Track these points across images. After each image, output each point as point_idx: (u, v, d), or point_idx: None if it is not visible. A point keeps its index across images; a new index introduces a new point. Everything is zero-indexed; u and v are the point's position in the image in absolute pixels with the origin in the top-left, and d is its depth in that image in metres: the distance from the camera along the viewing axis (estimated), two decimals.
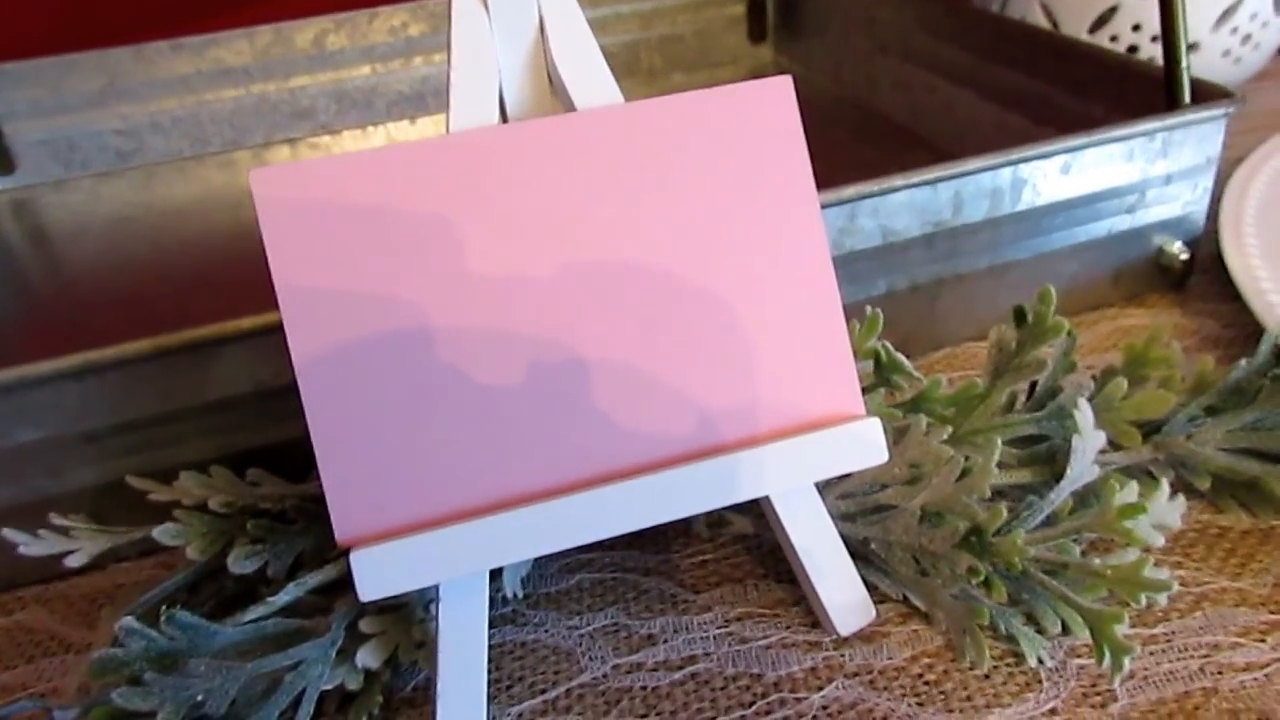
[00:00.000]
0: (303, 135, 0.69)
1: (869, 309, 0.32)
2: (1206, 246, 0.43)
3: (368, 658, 0.28)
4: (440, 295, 0.26)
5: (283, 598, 0.28)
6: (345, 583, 0.30)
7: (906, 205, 0.37)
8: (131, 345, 0.31)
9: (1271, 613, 0.29)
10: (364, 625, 0.28)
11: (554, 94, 0.29)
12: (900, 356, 0.31)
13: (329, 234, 0.26)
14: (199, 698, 0.25)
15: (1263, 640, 0.28)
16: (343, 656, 0.28)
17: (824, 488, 0.30)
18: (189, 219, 0.61)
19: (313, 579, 0.29)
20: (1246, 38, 0.55)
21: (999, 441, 0.29)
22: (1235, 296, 0.41)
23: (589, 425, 0.27)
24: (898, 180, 0.36)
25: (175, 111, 0.67)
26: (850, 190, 0.36)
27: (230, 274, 0.55)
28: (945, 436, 0.30)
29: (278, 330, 0.33)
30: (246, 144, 0.69)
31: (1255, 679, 0.27)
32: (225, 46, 0.67)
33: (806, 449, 0.28)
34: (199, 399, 0.33)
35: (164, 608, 0.26)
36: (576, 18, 0.28)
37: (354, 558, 0.25)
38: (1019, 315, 0.32)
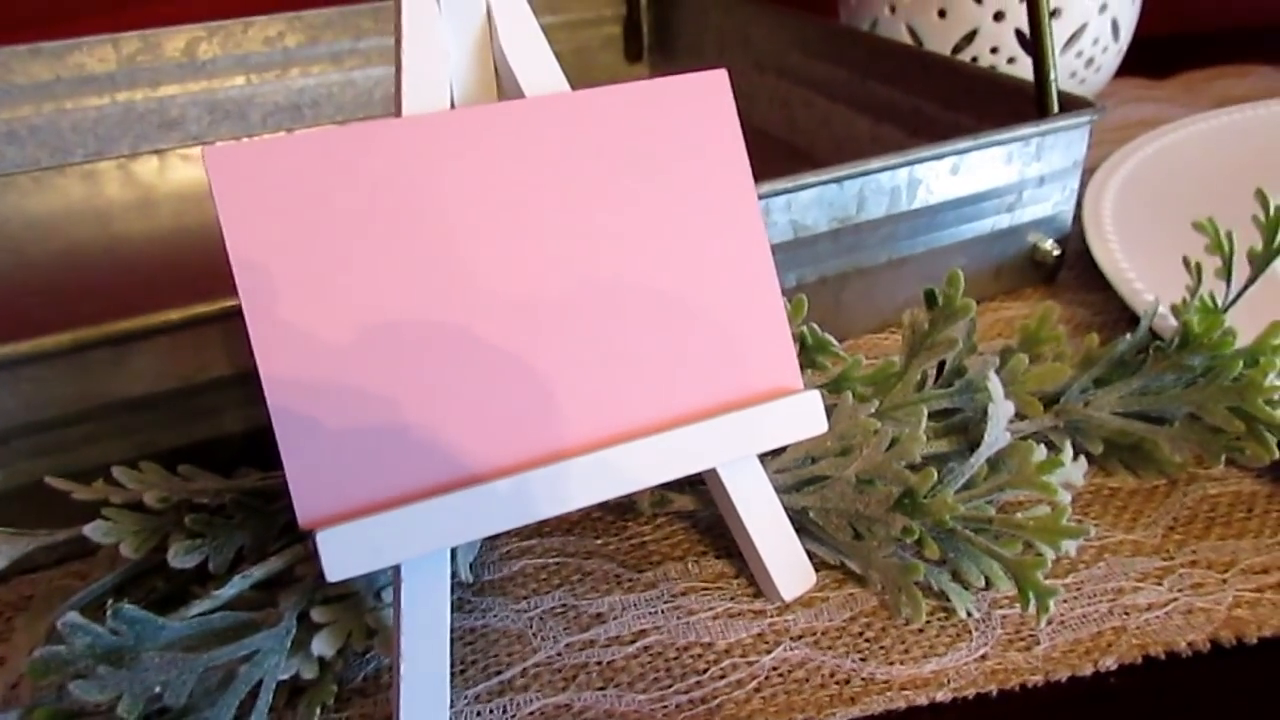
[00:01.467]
0: (172, 146, 0.67)
1: (792, 296, 0.34)
2: (1072, 244, 0.47)
3: (323, 646, 0.28)
4: (396, 275, 0.26)
5: (228, 591, 0.28)
6: (288, 577, 0.30)
7: (816, 201, 0.39)
8: (49, 339, 0.30)
9: (1164, 559, 0.32)
10: (316, 614, 0.28)
11: (500, 83, 0.29)
12: (827, 336, 0.33)
13: (286, 213, 0.25)
14: (157, 689, 0.24)
15: (1159, 583, 0.31)
16: (296, 647, 0.27)
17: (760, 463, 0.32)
18: (49, 233, 0.58)
19: (257, 571, 0.28)
20: (1089, 61, 0.60)
21: (925, 410, 0.31)
22: (1100, 287, 0.45)
23: (545, 403, 0.27)
24: (809, 177, 0.38)
25: (33, 120, 0.64)
26: (765, 187, 0.37)
27: (100, 286, 0.53)
28: (872, 411, 0.32)
29: (204, 323, 0.32)
30: (111, 154, 0.66)
31: (1157, 616, 0.30)
32: (88, 53, 0.64)
33: (752, 421, 0.29)
34: (117, 396, 0.32)
35: (110, 602, 0.25)
36: (523, 6, 0.29)
37: (320, 538, 0.24)
38: (930, 298, 0.34)
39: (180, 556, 0.29)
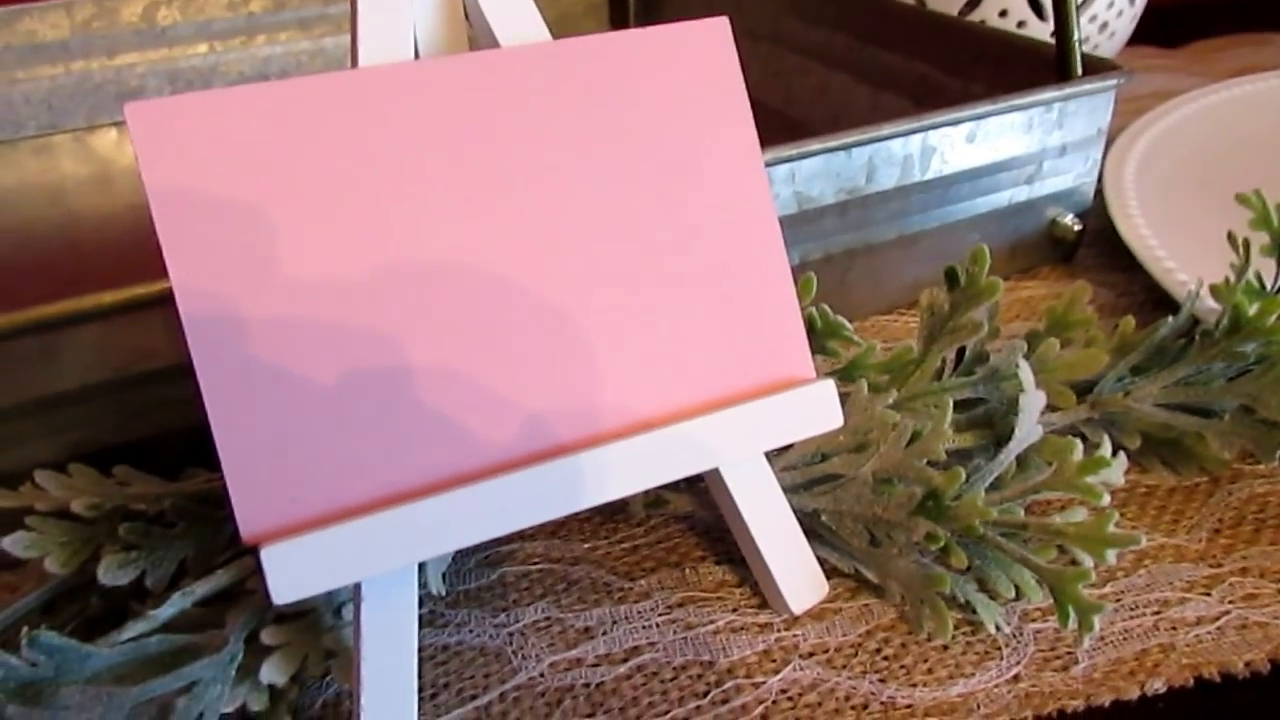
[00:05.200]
0: None
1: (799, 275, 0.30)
2: (1092, 221, 0.44)
3: (273, 673, 0.24)
4: (350, 250, 0.23)
5: (166, 610, 0.24)
6: (237, 591, 0.26)
7: (822, 171, 0.35)
8: None
9: (1211, 566, 0.29)
10: (266, 636, 0.25)
11: (472, 33, 0.26)
12: (840, 319, 0.30)
13: (221, 179, 0.22)
14: None
15: (1208, 594, 0.28)
16: (243, 674, 0.24)
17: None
18: (2, 209, 0.55)
19: (200, 588, 0.25)
20: (1104, 26, 0.57)
21: (950, 402, 0.28)
22: (1122, 267, 0.42)
23: (522, 396, 0.24)
24: (814, 144, 0.35)
25: None
26: (767, 155, 0.34)
27: (53, 268, 0.49)
28: (890, 402, 0.29)
29: (141, 307, 0.29)
30: (66, 127, 0.62)
31: (1209, 632, 0.27)
32: (39, 19, 0.60)
33: (758, 416, 0.26)
34: (45, 390, 0.28)
35: (24, 629, 0.22)
36: None
37: (265, 555, 0.21)
38: (951, 277, 0.31)
39: (112, 572, 0.25)
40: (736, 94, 0.27)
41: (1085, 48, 0.56)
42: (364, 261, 0.23)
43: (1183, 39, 0.73)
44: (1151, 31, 0.72)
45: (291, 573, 0.21)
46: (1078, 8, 0.54)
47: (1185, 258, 0.38)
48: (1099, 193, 0.44)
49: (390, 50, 0.24)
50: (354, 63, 0.24)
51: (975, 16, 0.56)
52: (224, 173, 0.22)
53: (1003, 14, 0.55)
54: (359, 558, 0.22)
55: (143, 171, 0.21)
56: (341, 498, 0.22)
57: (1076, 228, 0.42)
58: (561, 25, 0.70)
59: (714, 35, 0.26)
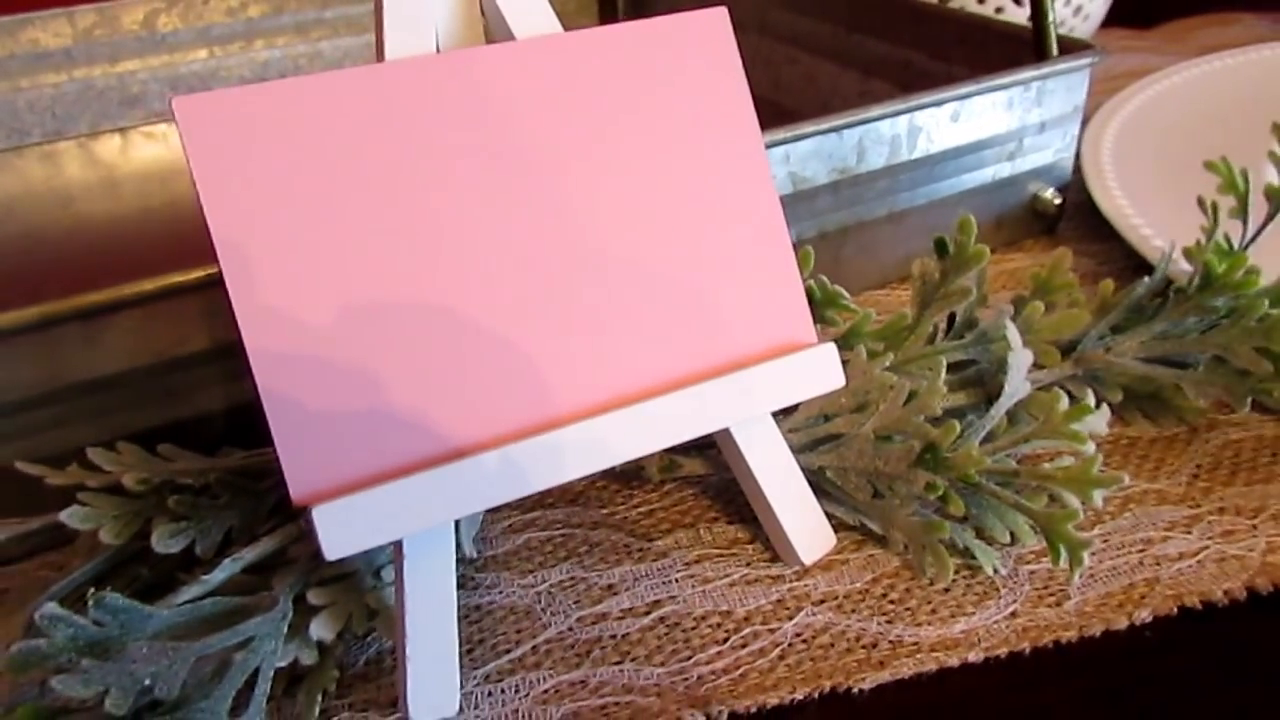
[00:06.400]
0: (134, 124, 0.64)
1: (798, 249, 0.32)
2: (1071, 195, 0.46)
3: (322, 629, 0.26)
4: (383, 233, 0.25)
5: (218, 575, 0.26)
6: (280, 559, 0.28)
7: (815, 152, 0.37)
8: (13, 314, 0.28)
9: (1190, 507, 0.31)
10: (313, 597, 0.26)
11: (487, 26, 0.27)
12: (838, 288, 0.32)
13: (265, 166, 0.24)
14: (146, 681, 0.23)
15: (1188, 532, 0.30)
16: (293, 631, 0.26)
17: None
18: (7, 216, 0.56)
19: (248, 554, 0.27)
20: (1078, 9, 0.59)
21: (944, 361, 0.30)
22: (1103, 237, 0.44)
23: (546, 366, 0.26)
24: (807, 126, 0.37)
25: None
26: (763, 138, 0.36)
27: (62, 272, 0.50)
28: (887, 365, 0.31)
29: (181, 294, 0.30)
30: (70, 134, 0.63)
31: (1190, 565, 0.29)
32: (42, 27, 0.61)
33: (765, 378, 0.28)
34: (87, 374, 0.30)
35: (91, 591, 0.24)
36: None
37: (316, 514, 0.23)
38: (940, 246, 0.33)
39: (165, 540, 0.27)
40: (736, 78, 0.28)
41: (1060, 30, 0.58)
42: (399, 240, 0.25)
43: (1156, 20, 0.75)
44: (1127, 13, 0.74)
45: (341, 530, 0.23)
46: None
47: (1160, 224, 0.40)
48: (1078, 167, 0.45)
49: (414, 44, 0.26)
50: (379, 57, 0.26)
51: (955, 3, 0.58)
52: (267, 160, 0.24)
53: (980, 0, 0.57)
54: (402, 515, 0.24)
55: (192, 163, 0.23)
56: (382, 462, 0.24)
57: (1057, 201, 0.44)
58: None
59: (714, 24, 0.28)
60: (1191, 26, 0.73)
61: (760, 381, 0.27)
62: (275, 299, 0.24)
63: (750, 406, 0.28)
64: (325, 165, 0.24)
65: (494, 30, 0.27)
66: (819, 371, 0.28)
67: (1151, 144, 0.49)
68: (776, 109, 0.60)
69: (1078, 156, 0.46)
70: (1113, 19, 0.71)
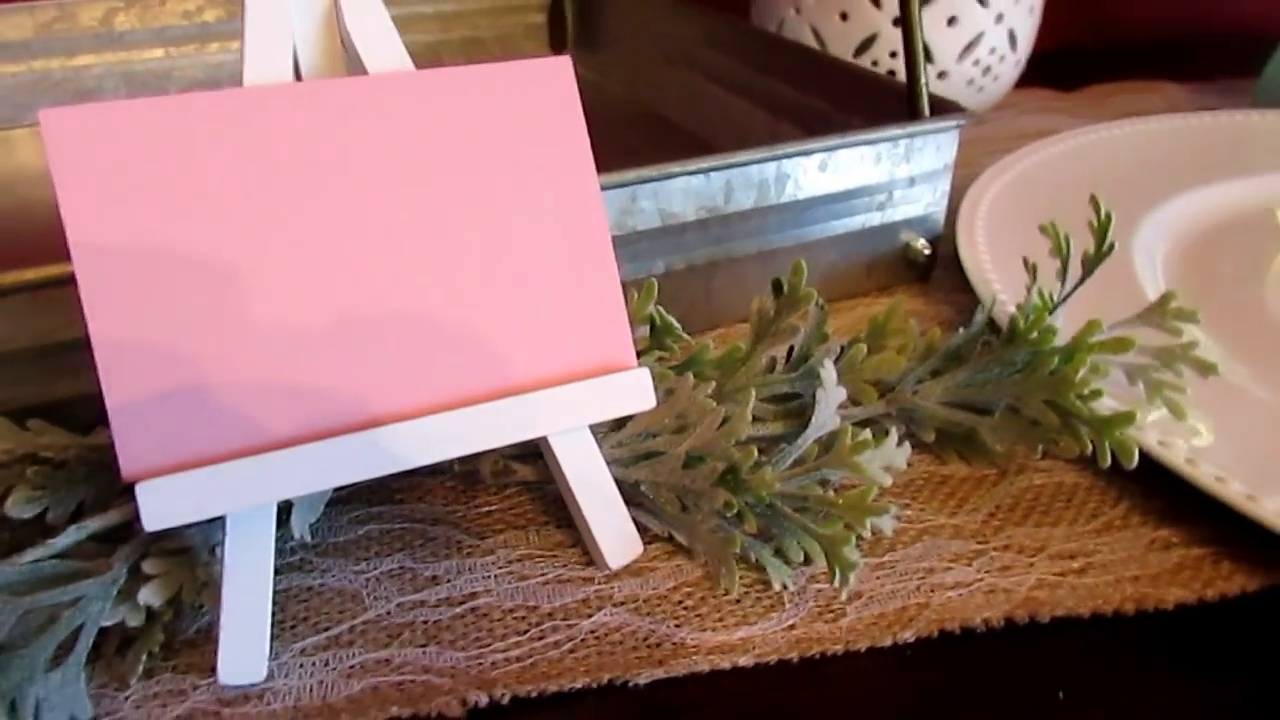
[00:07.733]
0: None
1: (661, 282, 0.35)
2: (946, 245, 0.49)
3: (150, 596, 0.28)
4: (232, 241, 0.27)
5: (62, 540, 0.29)
6: (128, 528, 0.30)
7: (683, 190, 0.40)
8: None
9: (979, 542, 0.33)
10: (147, 566, 0.29)
11: (346, 58, 0.30)
12: (671, 319, 0.34)
13: (121, 176, 0.26)
14: None
15: (969, 564, 0.33)
16: (124, 596, 0.28)
17: (601, 436, 0.33)
18: None
19: (94, 523, 0.29)
20: (987, 69, 0.62)
21: (753, 392, 0.32)
22: (969, 288, 0.47)
23: (376, 369, 0.28)
24: (674, 167, 0.39)
25: None
26: (632, 174, 0.39)
27: (5, 248, 0.53)
28: (709, 391, 0.34)
29: (62, 284, 0.33)
30: (25, 121, 0.66)
31: (960, 594, 0.31)
32: (3, 20, 0.64)
33: (582, 394, 0.30)
34: None
35: None
36: None
37: (139, 489, 0.25)
38: (776, 287, 0.35)
39: (19, 506, 0.29)
40: (575, 121, 0.31)
41: (971, 90, 0.62)
42: (241, 251, 0.27)
43: (1081, 83, 0.78)
44: (1052, 75, 0.77)
45: (162, 504, 0.26)
46: (959, 54, 0.59)
47: (1019, 281, 0.43)
48: (951, 221, 0.48)
49: (272, 72, 0.28)
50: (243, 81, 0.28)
51: (870, 54, 0.61)
52: (123, 171, 0.26)
53: (893, 54, 0.60)
54: (218, 495, 0.26)
55: (53, 170, 0.26)
56: (208, 448, 0.27)
57: (926, 251, 0.47)
58: (503, 45, 0.75)
59: (557, 72, 0.31)
60: (1112, 91, 0.76)
61: (577, 396, 0.30)
62: (121, 298, 0.26)
63: (567, 419, 0.30)
64: (176, 179, 0.27)
65: (351, 64, 0.30)
66: (633, 392, 0.31)
67: (1034, 204, 0.52)
68: (696, 140, 0.63)
69: (952, 208, 0.48)
70: (1037, 79, 0.74)
